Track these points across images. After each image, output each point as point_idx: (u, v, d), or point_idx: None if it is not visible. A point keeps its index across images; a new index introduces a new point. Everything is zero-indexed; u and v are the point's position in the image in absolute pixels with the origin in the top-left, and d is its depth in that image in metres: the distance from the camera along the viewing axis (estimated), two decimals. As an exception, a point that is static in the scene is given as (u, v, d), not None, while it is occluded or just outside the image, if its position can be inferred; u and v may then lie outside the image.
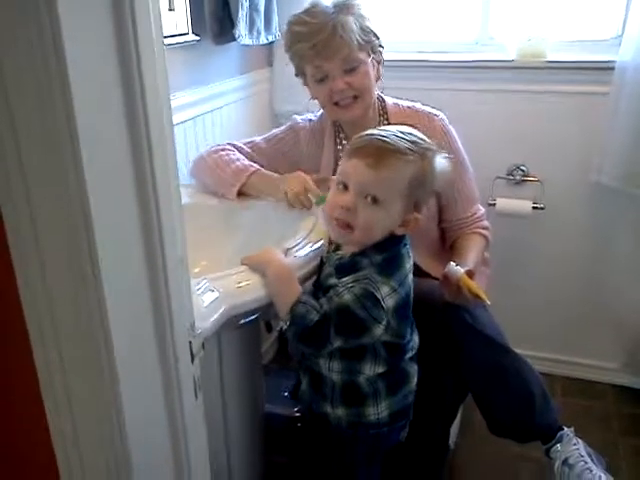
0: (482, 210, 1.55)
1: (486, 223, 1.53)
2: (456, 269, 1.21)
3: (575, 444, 1.29)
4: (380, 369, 1.07)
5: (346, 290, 0.99)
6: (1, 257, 0.56)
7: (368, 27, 1.38)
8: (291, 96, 1.95)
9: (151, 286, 0.60)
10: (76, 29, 0.49)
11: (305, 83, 1.46)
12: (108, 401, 0.57)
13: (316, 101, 1.46)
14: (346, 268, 1.03)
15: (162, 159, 0.60)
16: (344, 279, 1.01)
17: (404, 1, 2.04)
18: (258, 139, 1.54)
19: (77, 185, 0.50)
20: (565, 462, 1.27)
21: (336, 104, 1.40)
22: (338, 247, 1.10)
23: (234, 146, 1.49)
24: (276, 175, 1.40)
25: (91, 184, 0.51)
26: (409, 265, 1.06)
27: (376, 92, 1.47)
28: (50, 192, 0.52)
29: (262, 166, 1.46)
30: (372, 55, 1.40)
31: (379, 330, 1.00)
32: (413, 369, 1.15)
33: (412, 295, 1.07)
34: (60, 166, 0.51)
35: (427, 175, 1.01)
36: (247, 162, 1.43)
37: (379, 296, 0.98)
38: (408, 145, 0.99)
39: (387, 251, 1.02)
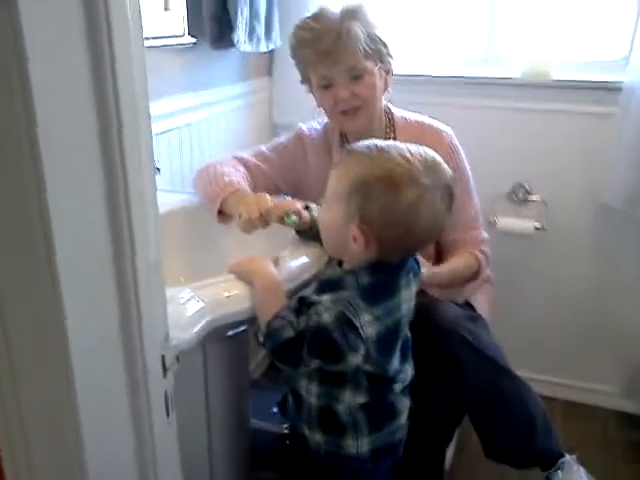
0: (484, 235, 1.46)
1: (485, 249, 1.44)
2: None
3: (577, 471, 1.24)
4: (361, 399, 0.98)
5: (325, 310, 0.91)
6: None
7: (376, 35, 1.33)
8: (291, 107, 1.91)
9: (119, 292, 0.56)
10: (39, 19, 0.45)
11: (310, 90, 1.41)
12: (65, 417, 0.52)
13: (322, 110, 1.40)
14: (331, 285, 0.96)
15: (136, 160, 0.56)
16: (324, 297, 0.94)
17: (413, 16, 2.01)
18: (263, 148, 1.46)
19: (35, 174, 0.46)
20: None
21: (343, 113, 1.35)
22: (341, 262, 1.02)
23: (240, 160, 1.40)
24: (251, 195, 1.24)
25: (49, 173, 0.47)
26: (407, 294, 0.97)
27: (383, 103, 1.42)
28: (5, 184, 0.47)
29: (271, 177, 1.40)
30: (379, 64, 1.35)
31: (356, 359, 0.92)
32: (403, 404, 1.05)
33: (405, 325, 1.00)
34: (18, 161, 0.47)
35: (375, 184, 0.89)
36: (236, 179, 1.29)
37: (357, 323, 0.89)
38: (372, 151, 0.93)
39: (379, 274, 0.94)
